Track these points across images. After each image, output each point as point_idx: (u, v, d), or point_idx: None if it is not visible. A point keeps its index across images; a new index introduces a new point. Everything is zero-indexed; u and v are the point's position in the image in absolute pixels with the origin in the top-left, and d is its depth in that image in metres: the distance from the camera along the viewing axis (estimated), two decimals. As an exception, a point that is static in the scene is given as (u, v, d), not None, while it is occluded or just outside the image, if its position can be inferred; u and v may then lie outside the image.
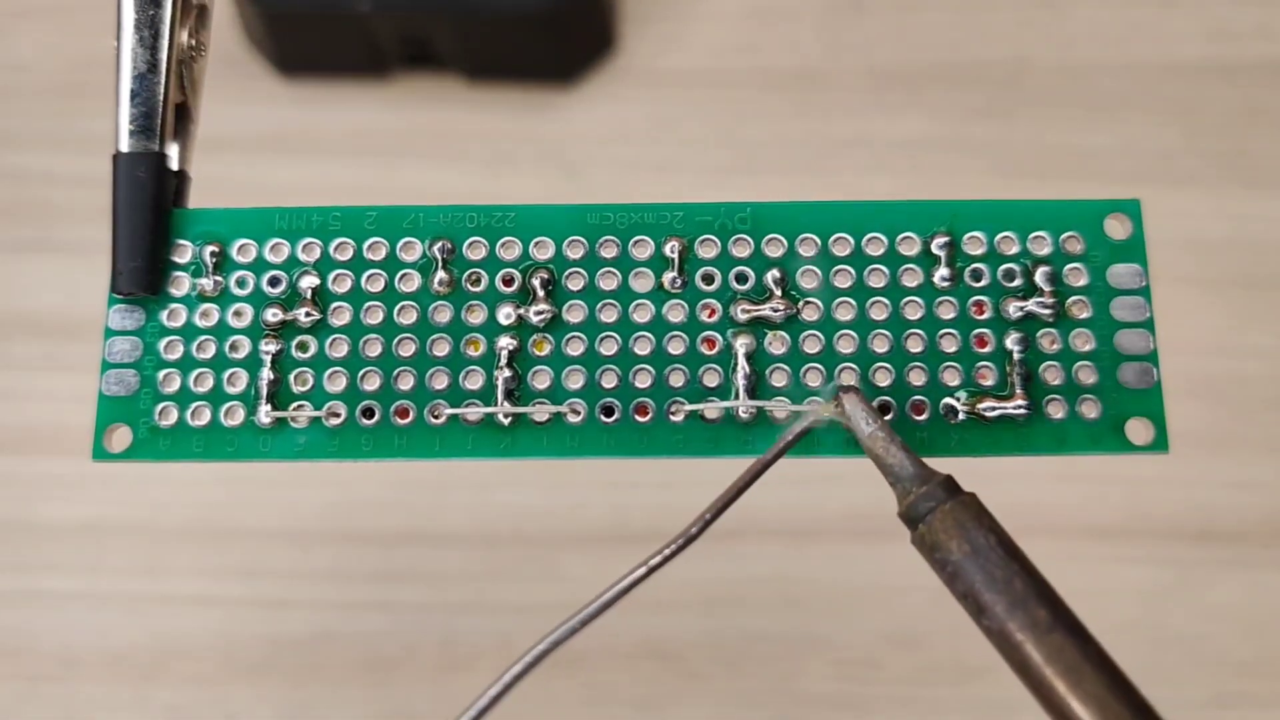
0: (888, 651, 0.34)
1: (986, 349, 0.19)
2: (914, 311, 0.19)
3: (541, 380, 0.18)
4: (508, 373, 0.18)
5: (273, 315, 0.19)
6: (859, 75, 0.40)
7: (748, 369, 0.18)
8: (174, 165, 0.19)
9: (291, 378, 0.19)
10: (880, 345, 0.19)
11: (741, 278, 0.19)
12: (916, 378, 0.18)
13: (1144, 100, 0.39)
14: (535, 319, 0.19)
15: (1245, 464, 0.35)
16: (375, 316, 0.19)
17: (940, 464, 0.17)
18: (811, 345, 0.19)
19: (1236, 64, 0.39)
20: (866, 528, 0.35)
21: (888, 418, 0.18)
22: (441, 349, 0.19)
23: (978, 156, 0.38)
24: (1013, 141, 0.39)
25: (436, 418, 0.18)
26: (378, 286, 0.19)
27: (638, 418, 0.18)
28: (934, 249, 0.19)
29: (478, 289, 0.19)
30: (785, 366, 0.18)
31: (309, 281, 0.19)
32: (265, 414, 0.18)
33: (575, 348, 0.19)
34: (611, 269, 0.19)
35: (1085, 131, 0.39)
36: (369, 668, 0.34)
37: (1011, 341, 0.18)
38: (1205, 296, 0.37)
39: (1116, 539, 0.35)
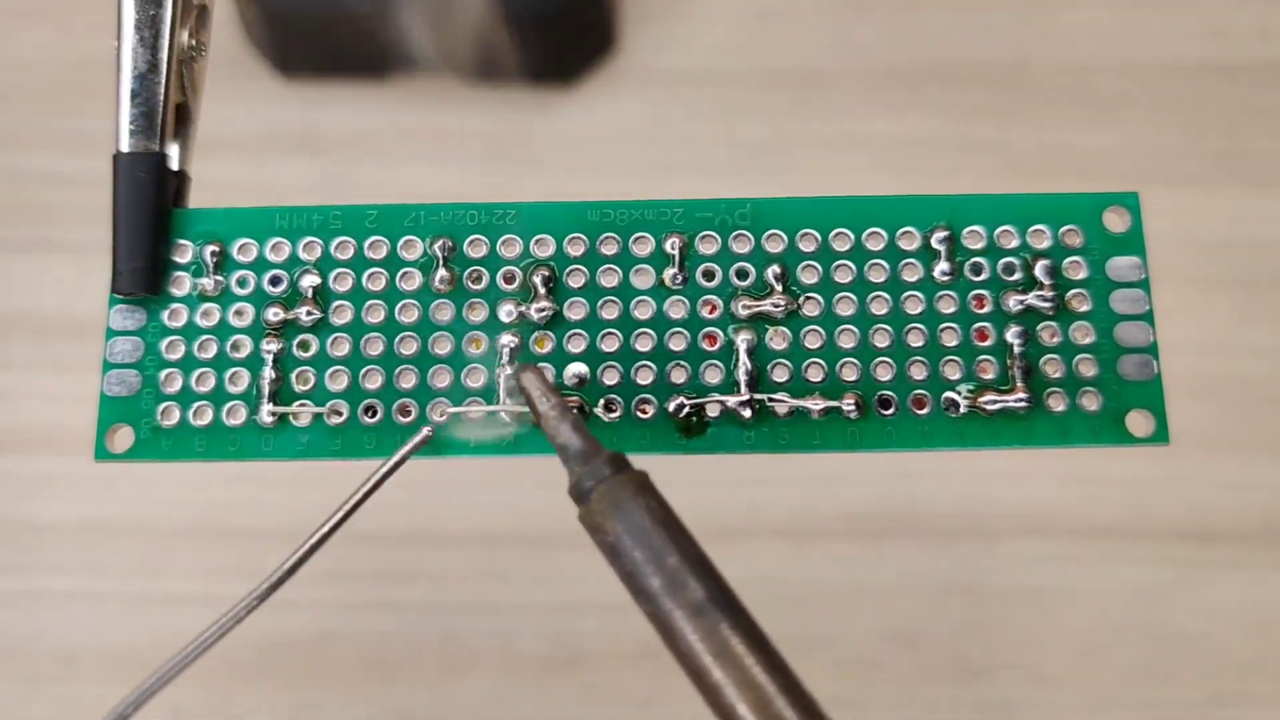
0: (888, 651, 0.34)
1: (987, 342, 0.19)
2: (914, 306, 0.19)
3: (543, 377, 0.18)
4: (510, 370, 0.18)
5: (274, 314, 0.19)
6: (859, 75, 0.40)
7: (749, 364, 0.18)
8: (174, 165, 0.19)
9: (293, 377, 0.19)
10: (881, 340, 0.19)
11: (742, 273, 0.19)
12: (918, 372, 0.18)
13: (1144, 100, 0.39)
14: (537, 316, 0.19)
15: (1246, 464, 0.35)
16: (377, 315, 0.19)
17: (941, 458, 0.17)
18: (813, 340, 0.19)
19: (1236, 64, 0.39)
20: (866, 528, 0.35)
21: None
22: (443, 347, 0.19)
23: (978, 156, 0.38)
24: (1013, 141, 0.39)
25: (440, 417, 0.18)
26: (379, 285, 0.19)
27: (639, 414, 0.18)
28: (934, 243, 0.19)
29: (479, 287, 0.19)
30: (786, 362, 0.18)
31: (310, 280, 0.19)
32: (267, 413, 0.18)
33: (577, 345, 0.19)
34: (612, 266, 0.19)
35: (1085, 131, 0.39)
36: (369, 668, 0.34)
37: (1012, 335, 0.19)
38: (1205, 296, 0.37)
39: (1116, 539, 0.35)
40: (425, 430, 0.18)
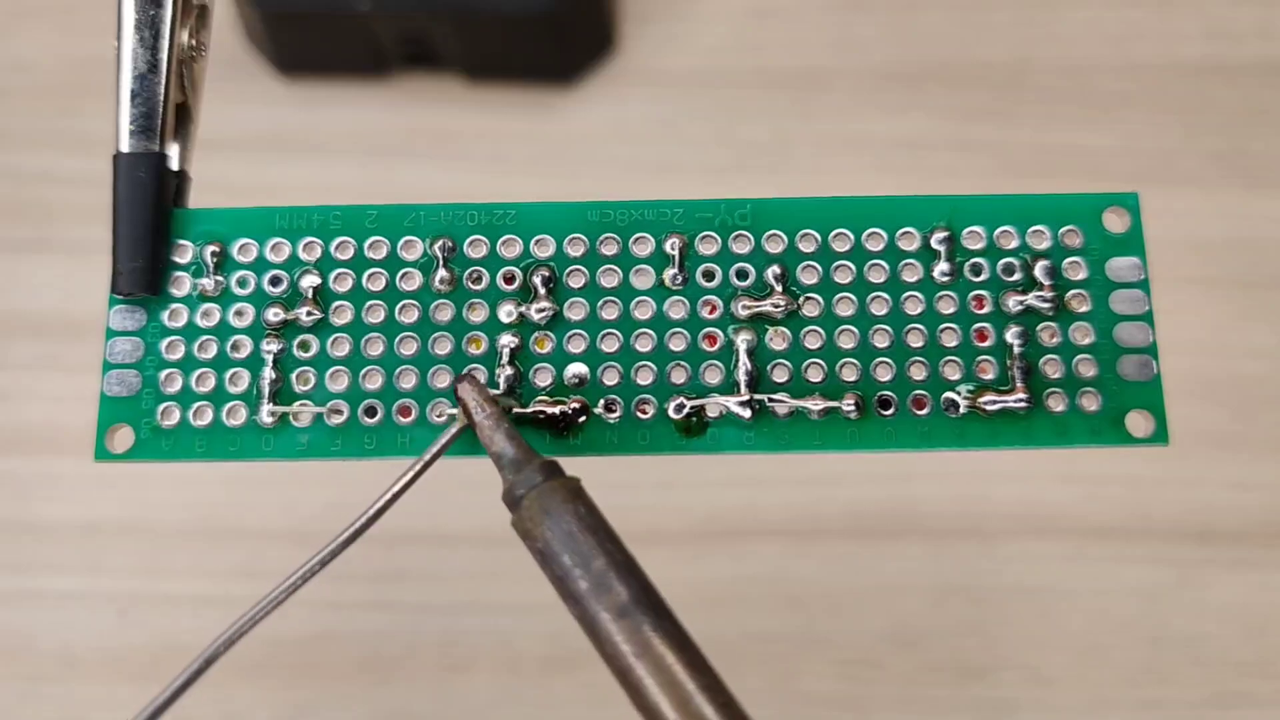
0: (888, 651, 0.34)
1: (987, 343, 0.19)
2: (914, 306, 0.19)
3: (543, 378, 0.19)
4: (509, 370, 0.18)
5: (274, 314, 0.19)
6: (859, 75, 0.40)
7: (749, 365, 0.18)
8: (174, 165, 0.19)
9: (293, 377, 0.19)
10: (881, 340, 0.19)
11: (742, 274, 0.19)
12: (918, 372, 0.18)
13: (1144, 100, 0.39)
14: (537, 316, 0.19)
15: (1246, 464, 0.35)
16: (377, 315, 0.19)
17: (941, 458, 0.17)
18: (812, 341, 0.19)
19: (1236, 64, 0.39)
20: (866, 528, 0.35)
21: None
22: (443, 347, 0.19)
23: (978, 157, 0.39)
24: (1013, 142, 0.39)
25: (439, 416, 0.18)
26: (379, 285, 0.19)
27: (639, 414, 0.18)
28: (934, 244, 0.19)
29: (479, 287, 0.19)
30: (786, 362, 0.18)
31: (310, 280, 0.19)
32: (267, 413, 0.18)
33: (577, 345, 0.19)
34: (612, 266, 0.19)
35: (1085, 131, 0.39)
36: (368, 668, 0.34)
37: (1011, 335, 0.19)
38: (1205, 296, 0.37)
39: (1116, 539, 0.35)
40: (461, 422, 0.18)
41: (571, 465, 0.18)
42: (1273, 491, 0.35)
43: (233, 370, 0.19)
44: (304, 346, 0.19)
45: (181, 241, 0.19)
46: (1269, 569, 0.34)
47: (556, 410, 0.18)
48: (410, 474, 0.17)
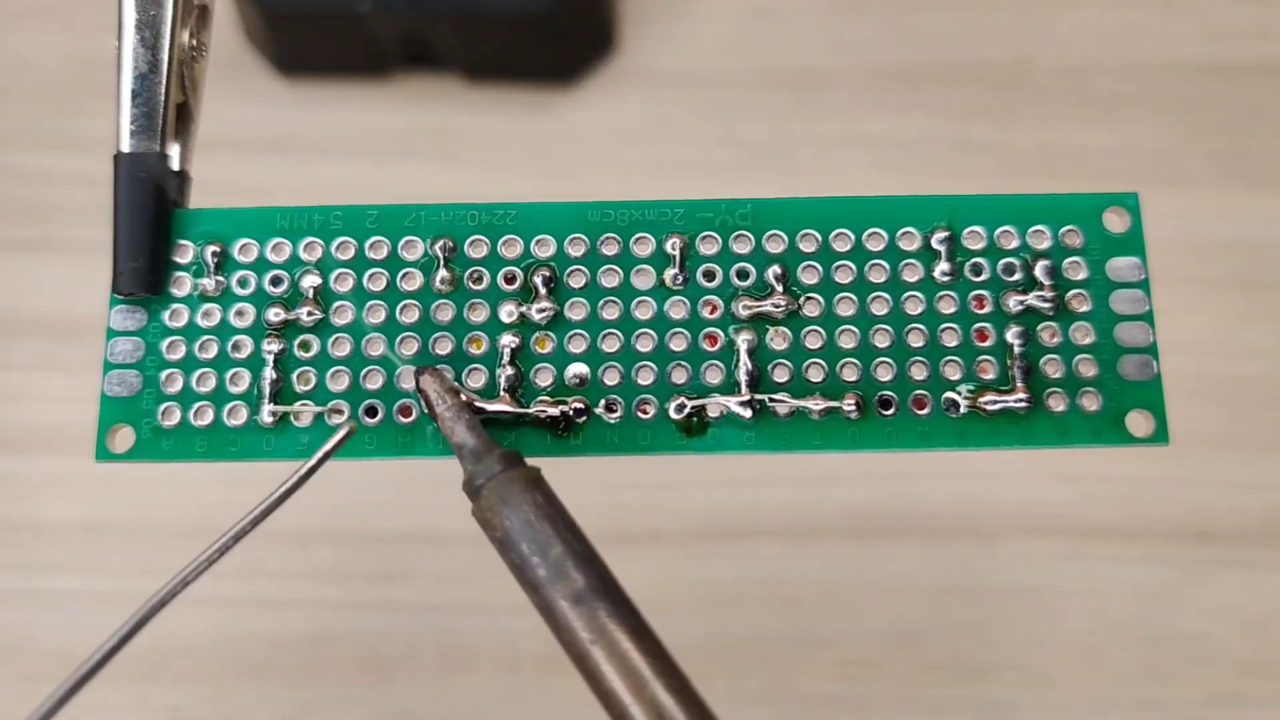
0: (888, 651, 0.34)
1: (987, 343, 0.19)
2: (915, 306, 0.19)
3: (544, 378, 0.19)
4: (510, 370, 0.18)
5: (275, 314, 0.19)
6: (859, 75, 0.40)
7: (750, 365, 0.18)
8: (175, 165, 0.19)
9: (294, 377, 0.19)
10: (881, 340, 0.19)
11: (743, 274, 0.19)
12: (918, 372, 0.18)
13: (1144, 100, 0.39)
14: (537, 316, 0.19)
15: (1245, 464, 0.35)
16: (377, 315, 0.19)
17: (941, 458, 0.17)
18: (813, 340, 0.19)
19: (1236, 64, 0.39)
20: (866, 528, 0.35)
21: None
22: (444, 347, 0.19)
23: (978, 156, 0.39)
24: (1013, 142, 0.39)
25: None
26: (380, 285, 0.19)
27: (640, 414, 0.18)
28: (934, 244, 0.19)
29: (479, 287, 0.19)
30: (787, 362, 0.19)
31: (311, 280, 0.19)
32: (268, 413, 0.18)
33: (578, 345, 0.19)
34: (613, 266, 0.19)
35: (1085, 131, 0.39)
36: (369, 668, 0.34)
37: (1012, 335, 0.19)
38: (1205, 296, 0.37)
39: (1116, 539, 0.35)
40: (349, 425, 0.18)
41: (572, 465, 0.18)
42: (1272, 491, 0.35)
43: (233, 370, 0.19)
44: (305, 346, 0.19)
45: (182, 241, 0.19)
46: (1269, 569, 0.34)
47: (557, 410, 0.18)
48: (301, 473, 0.18)
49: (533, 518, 0.16)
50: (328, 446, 0.18)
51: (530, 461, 0.17)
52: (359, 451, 0.18)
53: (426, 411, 0.18)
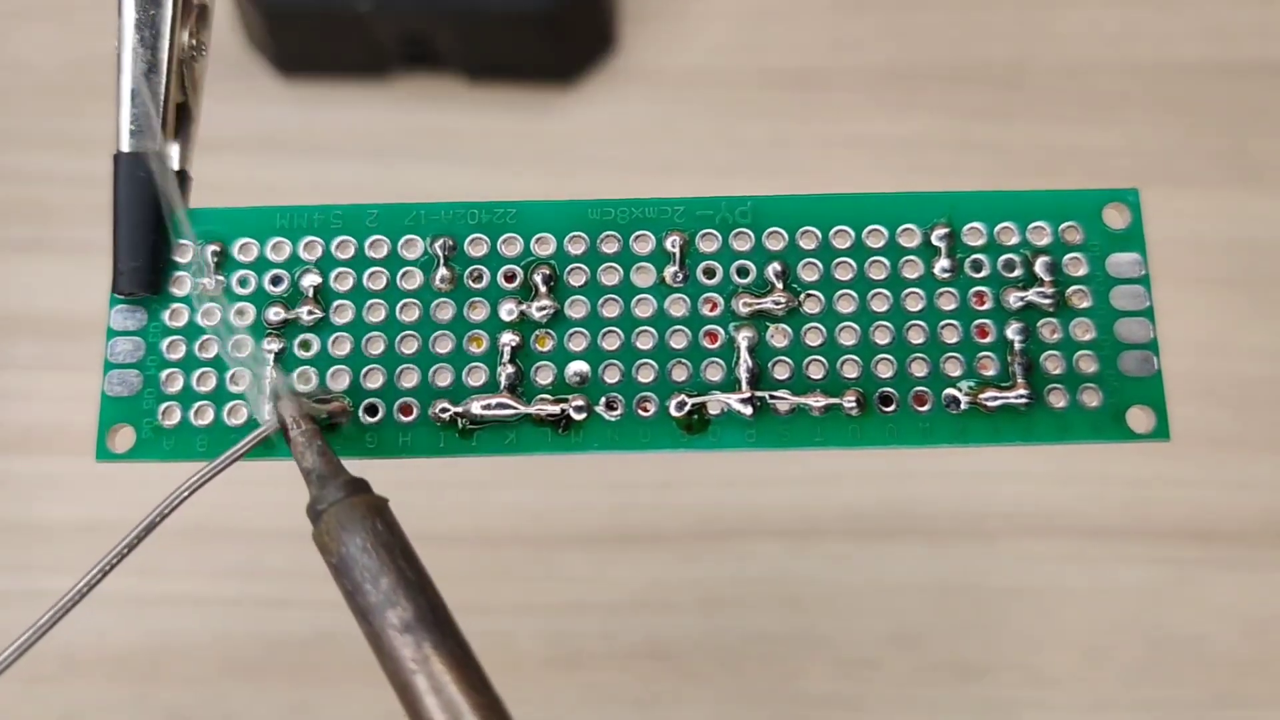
0: (888, 651, 0.34)
1: (988, 339, 0.19)
2: (915, 303, 0.19)
3: (545, 375, 0.19)
4: (510, 369, 0.18)
5: (275, 314, 0.19)
6: (859, 75, 0.40)
7: (750, 362, 0.18)
8: (175, 165, 0.19)
9: (294, 376, 0.19)
10: (882, 337, 0.19)
11: (743, 271, 0.19)
12: (919, 369, 0.18)
13: (1144, 100, 0.39)
14: (537, 315, 0.19)
15: (1246, 464, 0.35)
16: (377, 314, 0.19)
17: (941, 458, 0.17)
18: (813, 337, 0.19)
19: (1236, 64, 0.39)
20: (866, 528, 0.35)
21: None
22: (444, 346, 0.19)
23: (978, 156, 0.39)
24: (1013, 141, 0.39)
25: (443, 414, 0.18)
26: (380, 284, 0.19)
27: (641, 412, 0.18)
28: (934, 240, 0.19)
29: (480, 285, 0.19)
30: (787, 359, 0.19)
31: (311, 280, 0.19)
32: (268, 413, 0.18)
33: (578, 343, 0.19)
34: (613, 264, 0.19)
35: (1085, 131, 0.39)
36: (369, 668, 0.33)
37: (1012, 331, 0.19)
38: (1205, 296, 0.37)
39: (1116, 539, 0.35)
40: (275, 425, 0.18)
41: (572, 464, 0.18)
42: (1273, 492, 0.35)
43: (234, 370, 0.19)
44: (305, 345, 0.19)
45: (182, 241, 0.19)
46: (1269, 569, 0.34)
47: (558, 408, 0.18)
48: (211, 472, 0.18)
49: (369, 545, 0.16)
50: (248, 441, 0.18)
51: (528, 460, 0.17)
52: (359, 451, 0.18)
53: (283, 435, 0.18)
